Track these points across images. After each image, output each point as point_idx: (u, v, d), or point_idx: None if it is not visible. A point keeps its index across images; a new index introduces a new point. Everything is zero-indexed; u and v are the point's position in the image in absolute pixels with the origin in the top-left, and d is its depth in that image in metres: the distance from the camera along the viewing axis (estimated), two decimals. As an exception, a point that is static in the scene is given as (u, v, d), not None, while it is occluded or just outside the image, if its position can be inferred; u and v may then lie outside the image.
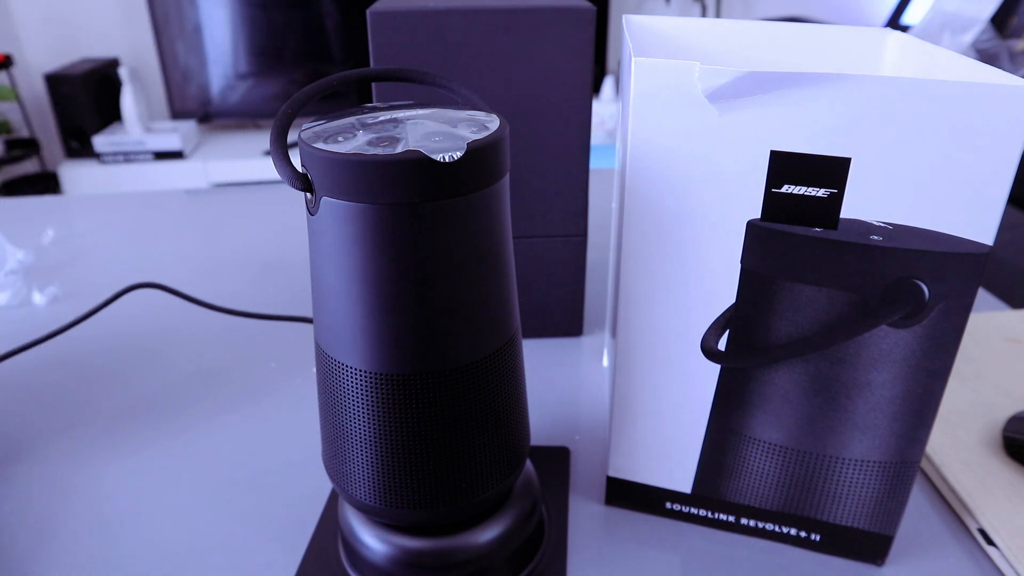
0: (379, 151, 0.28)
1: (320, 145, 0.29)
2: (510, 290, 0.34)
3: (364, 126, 0.31)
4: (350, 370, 0.32)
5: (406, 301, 0.30)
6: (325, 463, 0.37)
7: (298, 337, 0.65)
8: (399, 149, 0.28)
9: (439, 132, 0.30)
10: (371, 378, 0.32)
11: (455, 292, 0.31)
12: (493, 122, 0.32)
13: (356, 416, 0.33)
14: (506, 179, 0.32)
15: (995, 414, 0.52)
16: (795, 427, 0.39)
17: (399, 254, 0.29)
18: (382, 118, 0.32)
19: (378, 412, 0.33)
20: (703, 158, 0.34)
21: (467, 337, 0.32)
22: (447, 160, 0.28)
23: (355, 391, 0.33)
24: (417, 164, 0.27)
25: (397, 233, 0.29)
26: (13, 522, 0.45)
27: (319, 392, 0.35)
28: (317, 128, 0.31)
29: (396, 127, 0.31)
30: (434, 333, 0.31)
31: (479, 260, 0.31)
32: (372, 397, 0.32)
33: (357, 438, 0.34)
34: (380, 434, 0.33)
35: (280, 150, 0.29)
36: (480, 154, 0.29)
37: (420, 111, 0.33)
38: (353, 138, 0.29)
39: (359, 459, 0.34)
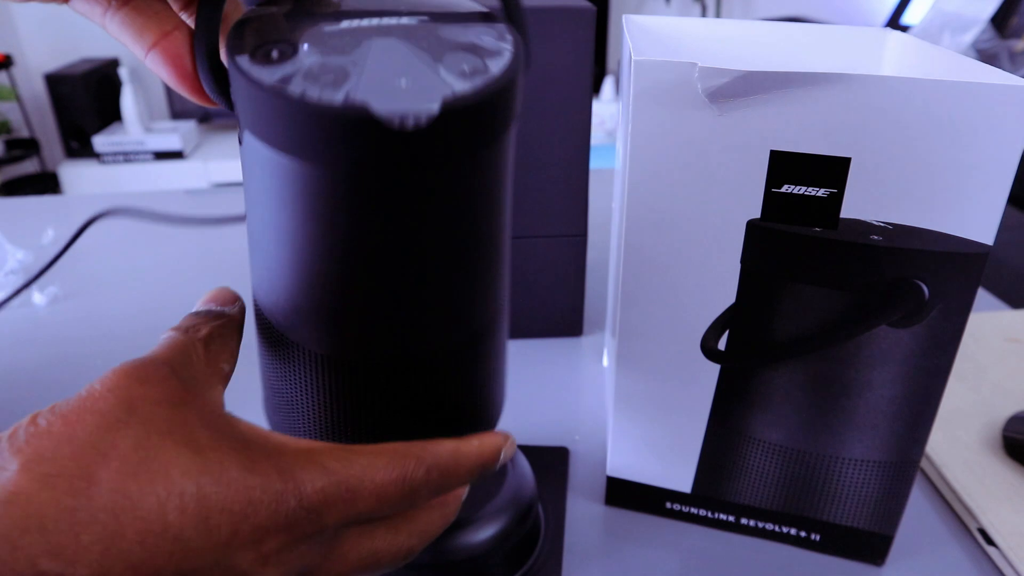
0: (313, 89, 0.20)
1: (243, 59, 0.21)
2: (490, 277, 0.26)
3: (314, 38, 0.22)
4: (294, 347, 0.26)
5: (340, 279, 0.24)
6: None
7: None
8: (341, 92, 0.20)
9: (411, 66, 0.21)
10: (316, 359, 0.26)
11: (405, 279, 0.24)
12: (501, 50, 0.22)
13: (304, 399, 0.27)
14: (506, 142, 0.23)
15: (995, 414, 0.52)
16: (795, 427, 0.39)
17: (326, 224, 0.22)
18: (344, 25, 0.23)
19: (330, 398, 0.27)
20: (703, 158, 0.34)
21: (421, 327, 0.25)
22: (397, 124, 0.19)
23: (300, 371, 0.27)
24: (354, 123, 0.19)
25: (326, 201, 0.22)
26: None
27: (265, 364, 0.29)
28: (255, 22, 0.23)
29: (356, 47, 0.22)
30: (378, 318, 0.25)
31: (441, 243, 0.23)
32: (320, 379, 0.26)
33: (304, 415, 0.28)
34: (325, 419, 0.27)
35: (204, 37, 0.23)
36: (459, 116, 0.20)
37: (402, 20, 0.23)
38: (292, 57, 0.21)
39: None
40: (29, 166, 2.55)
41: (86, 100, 2.33)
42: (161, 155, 2.37)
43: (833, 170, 0.32)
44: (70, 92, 2.30)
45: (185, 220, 0.32)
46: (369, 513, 0.23)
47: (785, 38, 0.44)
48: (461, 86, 0.20)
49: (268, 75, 0.20)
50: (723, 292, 0.36)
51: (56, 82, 2.29)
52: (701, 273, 0.36)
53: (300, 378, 0.27)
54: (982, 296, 0.72)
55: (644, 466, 0.44)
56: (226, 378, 0.26)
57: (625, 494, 0.45)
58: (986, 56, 1.61)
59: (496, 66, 0.21)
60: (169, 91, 2.49)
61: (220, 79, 0.24)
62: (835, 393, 0.37)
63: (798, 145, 0.32)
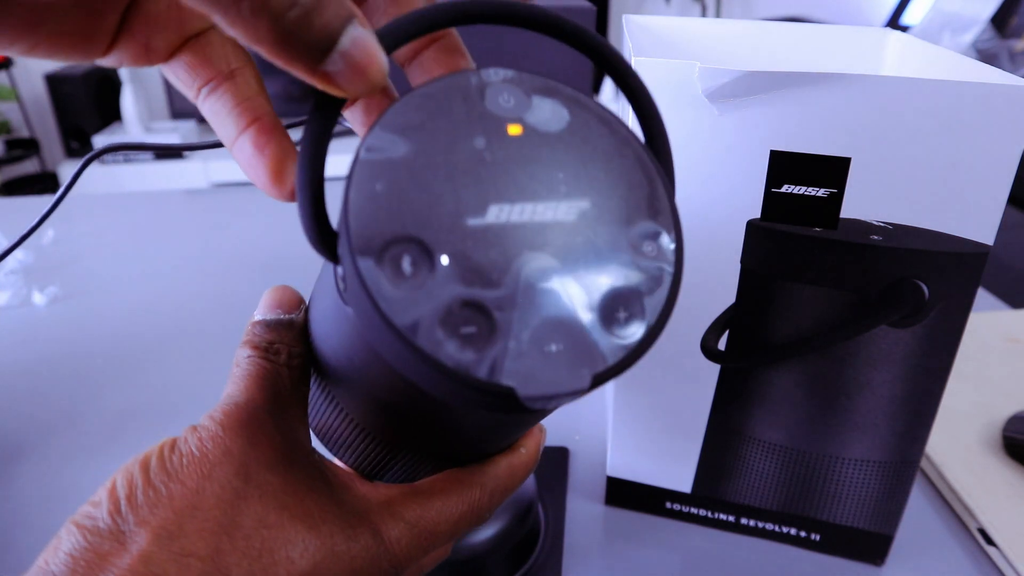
0: (451, 348, 0.17)
1: (367, 262, 0.17)
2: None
3: (455, 242, 0.18)
4: None
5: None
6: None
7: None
8: (486, 361, 0.17)
9: (564, 320, 0.18)
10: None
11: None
12: (662, 276, 0.20)
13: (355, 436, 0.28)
14: None
15: (995, 414, 0.52)
16: (795, 427, 0.39)
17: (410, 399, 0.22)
18: (491, 220, 0.18)
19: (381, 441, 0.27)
20: (703, 158, 0.34)
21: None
22: (540, 407, 0.18)
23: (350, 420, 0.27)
24: (494, 397, 0.18)
25: (422, 397, 0.21)
26: (13, 522, 0.45)
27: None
28: (382, 174, 0.18)
29: (505, 273, 0.18)
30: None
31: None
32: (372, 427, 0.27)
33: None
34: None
35: (309, 169, 0.19)
36: (601, 380, 0.19)
37: (559, 211, 0.19)
38: (428, 275, 0.17)
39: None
40: (29, 166, 2.55)
41: (86, 100, 2.33)
42: (161, 155, 2.37)
43: (833, 170, 0.32)
44: (70, 92, 2.30)
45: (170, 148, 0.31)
46: (441, 545, 0.25)
47: (785, 38, 0.44)
48: (614, 355, 0.19)
49: (399, 307, 0.17)
50: (723, 292, 0.36)
51: (56, 82, 2.29)
52: (701, 273, 0.36)
53: (350, 422, 0.27)
54: (982, 296, 0.72)
55: (644, 466, 0.44)
56: (305, 399, 0.26)
57: (625, 494, 0.45)
58: (986, 56, 1.61)
59: (653, 309, 0.19)
60: (169, 91, 2.49)
61: (324, 235, 0.19)
62: (835, 393, 0.37)
63: (798, 145, 0.32)
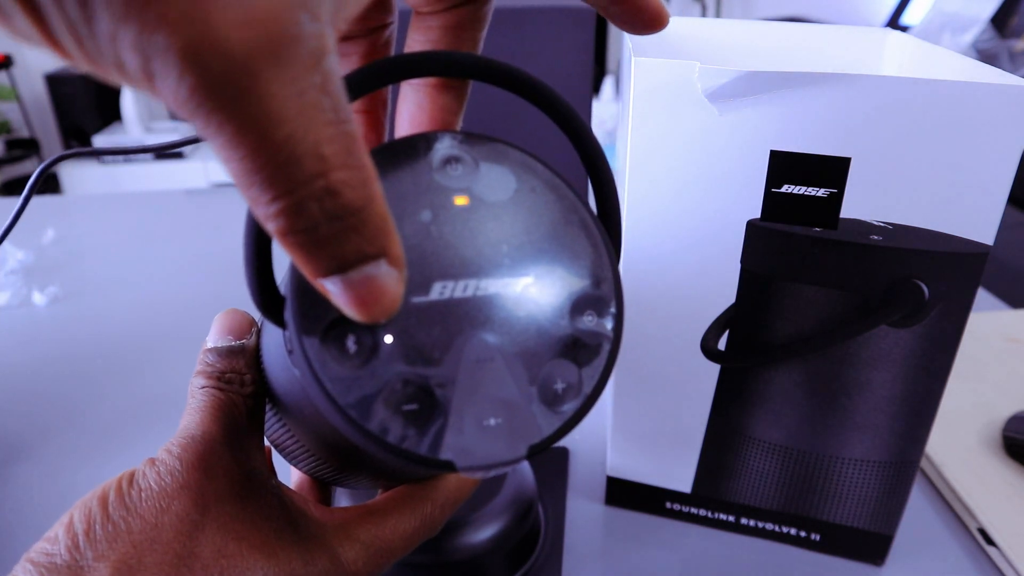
0: (396, 427, 0.18)
1: (312, 342, 0.18)
2: None
3: (399, 322, 0.18)
4: None
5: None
6: None
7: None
8: (427, 439, 0.18)
9: (503, 397, 0.19)
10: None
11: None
12: (600, 344, 0.20)
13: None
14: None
15: (995, 414, 0.52)
16: (795, 427, 0.39)
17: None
18: (434, 297, 0.19)
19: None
20: (703, 158, 0.34)
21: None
22: (479, 476, 0.20)
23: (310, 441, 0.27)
24: (434, 469, 0.19)
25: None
26: (13, 522, 0.45)
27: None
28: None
29: (446, 352, 0.19)
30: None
31: None
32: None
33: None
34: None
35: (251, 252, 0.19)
36: (537, 449, 0.19)
37: (502, 288, 0.19)
38: (372, 357, 0.18)
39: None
40: (29, 166, 2.55)
41: (86, 100, 2.33)
42: (161, 155, 2.37)
43: (833, 170, 0.32)
44: (70, 92, 2.30)
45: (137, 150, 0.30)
46: (396, 559, 0.26)
47: (785, 38, 0.44)
48: (551, 425, 0.19)
49: (343, 386, 0.18)
50: (723, 292, 0.36)
51: (56, 82, 2.29)
52: (701, 273, 0.36)
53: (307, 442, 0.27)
54: (982, 296, 0.72)
55: (644, 466, 0.44)
56: (261, 425, 0.26)
57: (625, 494, 0.45)
58: (986, 56, 1.61)
59: (590, 379, 0.20)
60: (169, 91, 2.49)
61: (271, 300, 0.19)
62: (835, 393, 0.37)
63: (798, 145, 0.32)
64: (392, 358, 0.18)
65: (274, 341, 0.23)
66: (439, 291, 0.19)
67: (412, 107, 0.23)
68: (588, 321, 0.20)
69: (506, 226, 0.20)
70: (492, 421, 0.19)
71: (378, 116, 0.24)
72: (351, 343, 0.18)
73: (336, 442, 0.23)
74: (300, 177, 0.13)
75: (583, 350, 0.20)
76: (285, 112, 0.13)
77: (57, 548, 0.21)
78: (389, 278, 0.16)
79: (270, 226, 0.14)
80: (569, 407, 0.20)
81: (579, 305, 0.20)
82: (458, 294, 0.19)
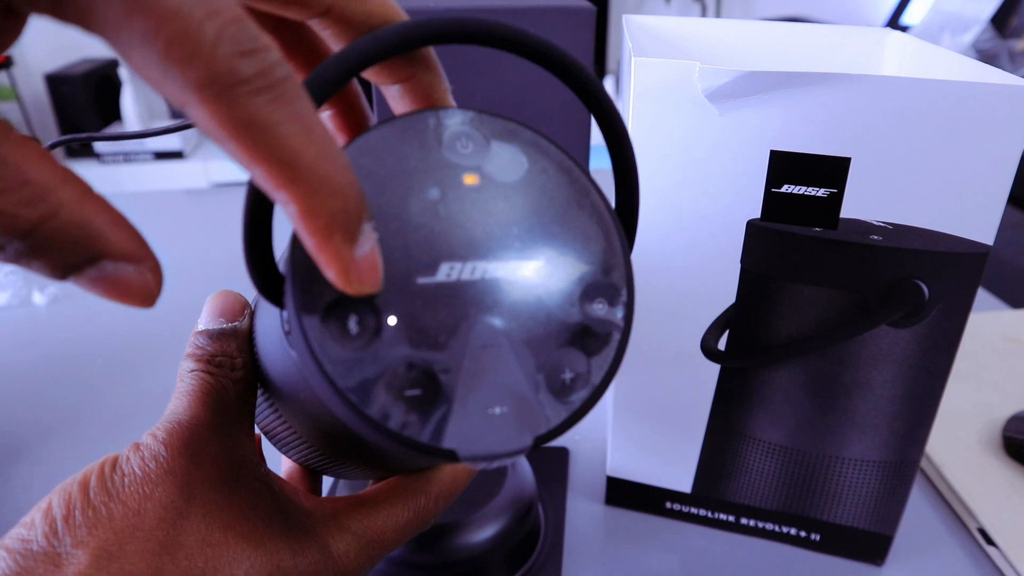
0: (397, 413, 0.17)
1: (312, 321, 0.17)
2: None
3: (402, 303, 0.18)
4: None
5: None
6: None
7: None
8: (429, 425, 0.17)
9: (509, 383, 0.18)
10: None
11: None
12: (610, 333, 0.19)
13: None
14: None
15: (995, 414, 0.52)
16: (795, 427, 0.39)
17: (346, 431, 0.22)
18: (440, 279, 0.18)
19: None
20: (703, 158, 0.34)
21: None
22: (481, 467, 0.19)
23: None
24: (437, 458, 0.18)
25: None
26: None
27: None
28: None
29: (451, 336, 0.18)
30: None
31: None
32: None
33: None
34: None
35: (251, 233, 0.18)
36: (542, 440, 0.19)
37: (509, 270, 0.19)
38: (374, 337, 0.17)
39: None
40: (29, 166, 2.55)
41: (86, 100, 2.33)
42: (161, 155, 2.37)
43: (833, 170, 0.32)
44: (70, 92, 2.31)
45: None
46: (388, 552, 0.25)
47: (785, 38, 0.44)
48: (558, 416, 0.18)
49: (343, 369, 0.17)
50: (723, 292, 0.36)
51: (56, 82, 2.29)
52: (701, 273, 0.36)
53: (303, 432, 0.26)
54: (982, 296, 0.72)
55: (644, 466, 0.44)
56: (252, 411, 0.25)
57: (625, 494, 0.45)
58: (986, 56, 1.61)
59: (599, 369, 0.19)
60: (169, 91, 2.49)
61: (270, 279, 0.18)
62: (835, 393, 0.37)
63: (798, 145, 0.32)
64: (396, 340, 0.17)
65: (269, 323, 0.22)
66: (446, 272, 0.18)
67: (399, 105, 0.22)
68: (598, 309, 0.19)
69: (516, 207, 0.19)
70: (497, 410, 0.18)
71: (354, 108, 0.23)
72: (353, 323, 0.17)
73: (331, 429, 0.22)
74: (206, 44, 0.13)
75: (592, 339, 0.19)
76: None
77: (34, 534, 0.19)
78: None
79: (192, 97, 0.14)
80: (577, 397, 0.19)
81: (589, 292, 0.19)
82: (466, 276, 0.18)
